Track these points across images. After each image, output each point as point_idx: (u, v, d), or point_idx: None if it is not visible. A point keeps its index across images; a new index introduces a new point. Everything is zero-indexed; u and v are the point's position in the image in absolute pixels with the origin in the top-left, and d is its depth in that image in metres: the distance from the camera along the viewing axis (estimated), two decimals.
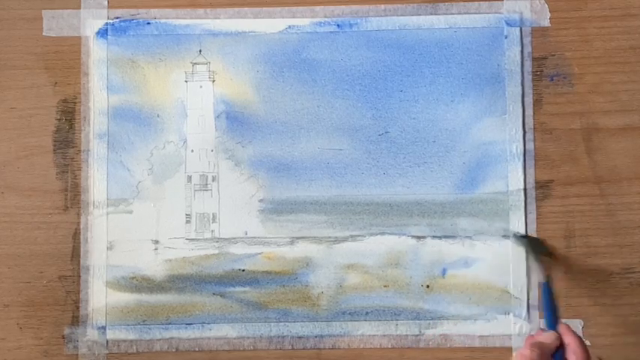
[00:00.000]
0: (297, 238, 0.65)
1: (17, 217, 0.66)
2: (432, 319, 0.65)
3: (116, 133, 0.66)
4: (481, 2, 0.67)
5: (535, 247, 0.63)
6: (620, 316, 0.65)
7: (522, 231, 0.64)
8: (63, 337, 0.65)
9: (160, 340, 0.65)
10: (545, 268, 0.60)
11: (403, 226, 0.65)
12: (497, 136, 0.66)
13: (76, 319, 0.65)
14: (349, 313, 0.65)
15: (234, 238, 0.65)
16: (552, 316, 0.57)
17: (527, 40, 0.66)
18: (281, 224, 0.65)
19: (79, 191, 0.66)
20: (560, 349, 0.54)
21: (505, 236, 0.65)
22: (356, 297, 0.65)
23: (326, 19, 0.67)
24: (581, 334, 0.64)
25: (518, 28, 0.66)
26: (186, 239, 0.65)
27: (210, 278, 0.65)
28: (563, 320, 0.64)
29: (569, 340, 0.54)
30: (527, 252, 0.63)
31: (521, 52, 0.66)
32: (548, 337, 0.55)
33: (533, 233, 0.65)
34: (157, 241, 0.65)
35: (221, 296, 0.65)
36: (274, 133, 0.66)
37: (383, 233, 0.65)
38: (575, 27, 0.66)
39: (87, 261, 0.65)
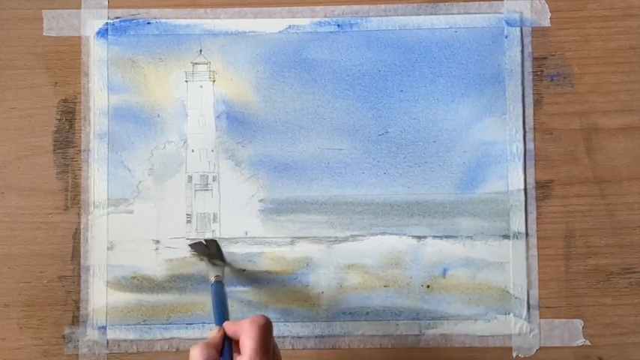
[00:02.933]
0: (298, 238, 0.65)
1: (17, 217, 0.66)
2: (432, 319, 0.65)
3: (116, 133, 0.66)
4: (481, 2, 0.67)
5: (208, 250, 0.63)
6: (620, 316, 0.65)
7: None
8: (63, 337, 0.65)
9: (160, 340, 0.65)
10: (216, 270, 0.61)
11: (403, 226, 0.65)
12: (497, 136, 0.66)
13: (77, 319, 0.65)
14: (349, 313, 0.65)
15: (234, 238, 0.65)
16: (221, 315, 0.56)
17: (527, 40, 0.66)
18: (281, 224, 0.65)
19: (79, 191, 0.66)
20: (228, 345, 0.53)
21: (505, 236, 0.65)
22: (356, 297, 0.65)
23: (326, 19, 0.67)
24: (581, 334, 0.64)
25: (518, 28, 0.66)
26: (187, 239, 0.65)
27: None
28: (565, 320, 0.65)
29: (236, 332, 0.53)
30: (200, 256, 0.63)
31: (522, 52, 0.66)
32: (212, 335, 0.53)
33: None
34: (157, 241, 0.65)
35: None
36: (274, 133, 0.66)
37: (383, 233, 0.65)
38: (575, 27, 0.66)
39: (87, 261, 0.65)
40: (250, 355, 0.50)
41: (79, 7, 0.67)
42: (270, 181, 0.66)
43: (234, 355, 0.53)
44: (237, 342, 0.53)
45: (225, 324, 0.54)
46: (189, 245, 0.64)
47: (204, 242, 0.64)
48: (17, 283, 0.65)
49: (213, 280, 0.60)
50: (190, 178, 0.66)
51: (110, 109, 0.66)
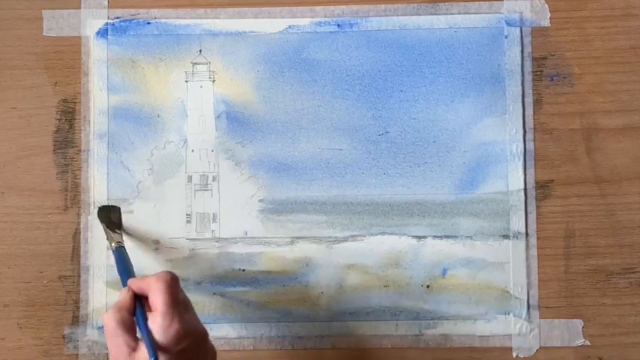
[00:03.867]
0: (297, 238, 0.65)
1: (17, 217, 0.66)
2: (432, 319, 0.65)
3: (116, 133, 0.66)
4: (481, 2, 0.67)
5: (108, 217, 0.63)
6: (620, 316, 0.65)
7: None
8: (63, 337, 0.65)
9: None
10: (117, 237, 0.61)
11: (403, 226, 0.65)
12: (497, 136, 0.66)
13: (76, 319, 0.65)
14: (349, 313, 0.65)
15: (234, 238, 0.65)
16: (126, 277, 0.56)
17: (527, 40, 0.66)
18: (281, 224, 0.65)
19: (79, 191, 0.66)
20: (140, 304, 0.52)
21: (505, 236, 0.65)
22: (356, 297, 0.65)
23: (326, 19, 0.67)
24: (581, 334, 0.64)
25: (518, 28, 0.66)
26: (187, 239, 0.65)
27: (211, 278, 0.65)
28: (565, 320, 0.65)
29: (143, 288, 0.52)
30: (101, 222, 0.63)
31: (522, 52, 0.66)
32: (121, 296, 0.52)
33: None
34: (157, 241, 0.65)
35: (221, 296, 0.65)
36: (274, 133, 0.66)
37: (383, 233, 0.65)
38: (575, 27, 0.66)
39: (87, 261, 0.65)
40: (162, 311, 0.50)
41: (79, 7, 0.67)
42: (270, 181, 0.66)
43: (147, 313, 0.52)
44: (147, 299, 0.52)
45: (130, 281, 0.53)
46: (98, 209, 0.64)
47: (108, 207, 0.64)
48: (17, 283, 0.65)
49: (115, 247, 0.60)
50: (190, 178, 0.66)
51: (110, 109, 0.66)
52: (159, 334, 0.50)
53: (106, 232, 0.62)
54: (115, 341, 0.50)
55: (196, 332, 0.52)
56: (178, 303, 0.51)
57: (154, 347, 0.49)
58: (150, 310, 0.52)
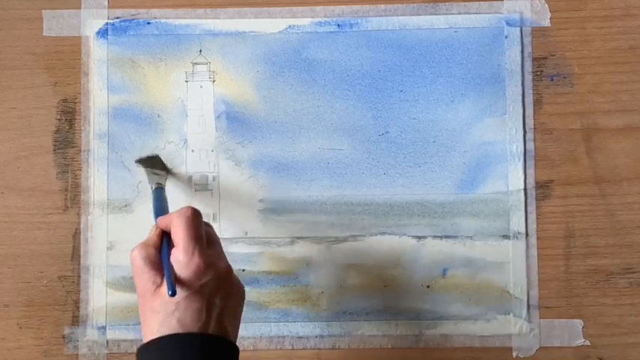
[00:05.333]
0: (297, 238, 0.65)
1: (17, 217, 0.66)
2: (432, 319, 0.65)
3: (116, 133, 0.66)
4: (481, 2, 0.67)
5: (151, 163, 0.65)
6: (620, 316, 0.65)
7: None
8: (63, 337, 0.65)
9: None
10: (158, 179, 0.63)
11: (403, 226, 0.65)
12: (497, 136, 0.66)
13: (76, 319, 0.65)
14: (349, 313, 0.65)
15: (234, 238, 0.65)
16: (156, 215, 0.57)
17: (527, 40, 0.66)
18: (281, 224, 0.65)
19: (79, 191, 0.66)
20: (166, 241, 0.53)
21: (505, 236, 0.65)
22: (356, 297, 0.65)
23: (326, 19, 0.67)
24: (581, 334, 0.64)
25: (518, 28, 0.66)
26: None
27: None
28: (565, 320, 0.65)
29: (167, 225, 0.53)
30: (145, 169, 0.65)
31: (522, 52, 0.66)
32: (149, 235, 0.54)
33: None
34: None
35: None
36: (274, 133, 0.66)
37: (383, 233, 0.65)
38: (575, 27, 0.66)
39: (87, 261, 0.65)
40: (183, 246, 0.50)
41: (79, 7, 0.67)
42: (270, 181, 0.66)
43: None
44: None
45: (159, 219, 0.54)
46: (137, 161, 0.65)
47: (149, 157, 0.65)
48: (17, 283, 0.65)
49: (154, 187, 0.62)
50: (190, 178, 0.66)
51: (110, 109, 0.66)
52: (179, 269, 0.50)
53: (148, 175, 0.64)
54: (141, 278, 0.51)
55: (218, 267, 0.51)
56: (200, 237, 0.51)
57: (173, 283, 0.49)
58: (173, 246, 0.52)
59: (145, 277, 0.51)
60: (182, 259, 0.50)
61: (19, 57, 0.67)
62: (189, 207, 0.52)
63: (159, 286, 0.50)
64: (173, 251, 0.51)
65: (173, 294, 0.49)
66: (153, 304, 0.50)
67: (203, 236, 0.52)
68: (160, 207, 0.59)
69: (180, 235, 0.51)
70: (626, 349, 0.64)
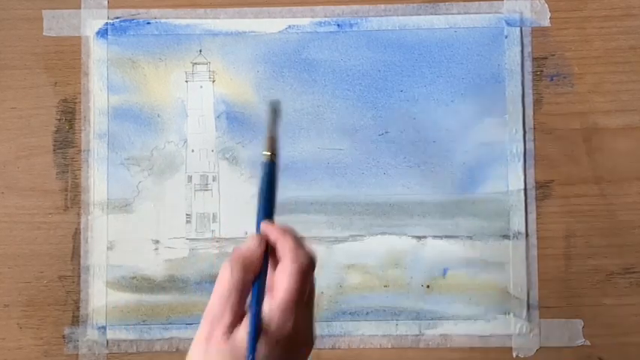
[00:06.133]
0: None
1: (17, 217, 0.66)
2: (432, 319, 0.65)
3: (116, 133, 0.66)
4: (481, 2, 0.67)
5: (277, 115, 0.48)
6: (620, 316, 0.65)
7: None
8: (63, 337, 0.65)
9: (160, 340, 0.65)
10: (270, 143, 0.46)
11: (403, 226, 0.65)
12: (497, 137, 0.66)
13: (76, 319, 0.65)
14: (349, 313, 0.65)
15: (234, 238, 0.65)
16: (265, 214, 0.44)
17: (527, 40, 0.66)
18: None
19: (79, 191, 0.66)
20: (266, 264, 0.43)
21: (505, 236, 0.65)
22: (356, 297, 0.65)
23: (326, 18, 0.67)
24: (581, 334, 0.64)
25: (518, 28, 0.66)
26: (187, 239, 0.65)
27: (211, 278, 0.65)
28: (565, 320, 0.65)
29: (277, 240, 0.43)
30: (271, 118, 0.48)
31: (522, 52, 0.66)
32: (249, 246, 0.43)
33: (526, 229, 0.65)
34: (157, 241, 0.65)
35: None
36: None
37: (383, 233, 0.65)
38: (575, 27, 0.66)
39: (87, 261, 0.65)
40: (282, 304, 0.41)
41: (78, 7, 0.67)
42: None
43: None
44: (273, 251, 0.43)
45: (265, 226, 0.44)
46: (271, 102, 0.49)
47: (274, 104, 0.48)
48: (17, 283, 0.65)
49: (267, 160, 0.46)
50: (190, 178, 0.66)
51: (110, 109, 0.66)
52: (267, 323, 0.41)
53: (270, 126, 0.47)
54: (220, 302, 0.41)
55: (306, 341, 0.43)
56: (303, 294, 0.42)
57: (254, 347, 0.40)
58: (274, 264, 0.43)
59: (226, 305, 0.41)
60: (275, 318, 0.41)
61: (19, 57, 0.67)
62: (309, 253, 0.43)
63: (234, 324, 0.41)
64: (268, 299, 0.42)
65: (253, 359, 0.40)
66: (214, 343, 0.41)
67: (306, 294, 0.42)
68: (266, 201, 0.45)
69: (284, 283, 0.41)
70: (626, 349, 0.64)
